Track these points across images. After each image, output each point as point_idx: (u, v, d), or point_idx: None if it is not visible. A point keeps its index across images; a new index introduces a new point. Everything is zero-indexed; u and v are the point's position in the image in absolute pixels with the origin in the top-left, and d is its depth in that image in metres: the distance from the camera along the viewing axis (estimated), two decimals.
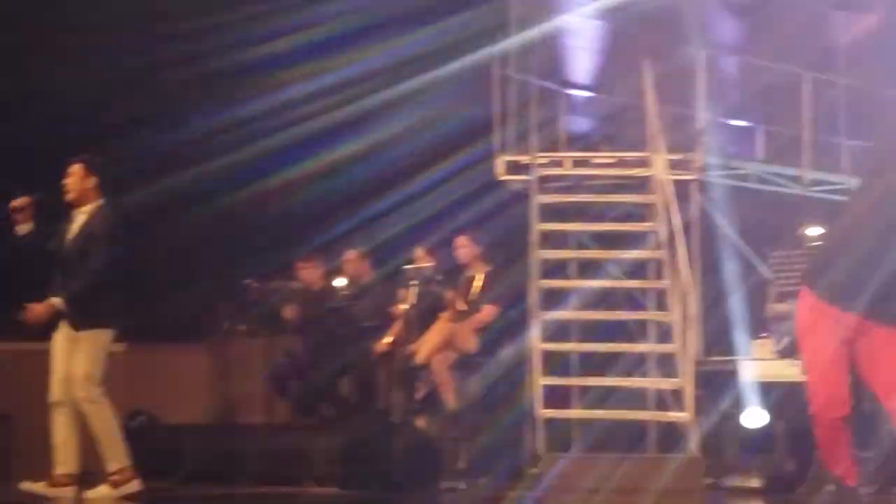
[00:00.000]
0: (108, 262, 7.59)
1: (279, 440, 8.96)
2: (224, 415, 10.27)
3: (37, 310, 7.55)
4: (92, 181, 7.74)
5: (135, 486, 7.67)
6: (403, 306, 9.12)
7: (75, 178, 7.73)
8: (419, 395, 9.18)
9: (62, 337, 7.65)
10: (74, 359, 7.54)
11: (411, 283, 9.01)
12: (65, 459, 7.66)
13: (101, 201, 7.76)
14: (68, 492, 7.61)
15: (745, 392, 9.02)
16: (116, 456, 7.64)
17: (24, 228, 7.67)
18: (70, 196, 7.75)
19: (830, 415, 5.78)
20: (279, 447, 8.89)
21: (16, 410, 13.07)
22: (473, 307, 9.15)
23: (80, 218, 7.73)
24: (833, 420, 5.78)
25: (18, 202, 7.65)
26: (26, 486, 7.65)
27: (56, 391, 7.64)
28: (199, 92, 13.51)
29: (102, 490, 7.56)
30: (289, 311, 10.10)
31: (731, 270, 10.47)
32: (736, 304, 10.09)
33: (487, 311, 9.10)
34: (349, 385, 9.66)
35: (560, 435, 9.68)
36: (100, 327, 7.60)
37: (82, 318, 7.57)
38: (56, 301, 7.52)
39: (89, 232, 7.65)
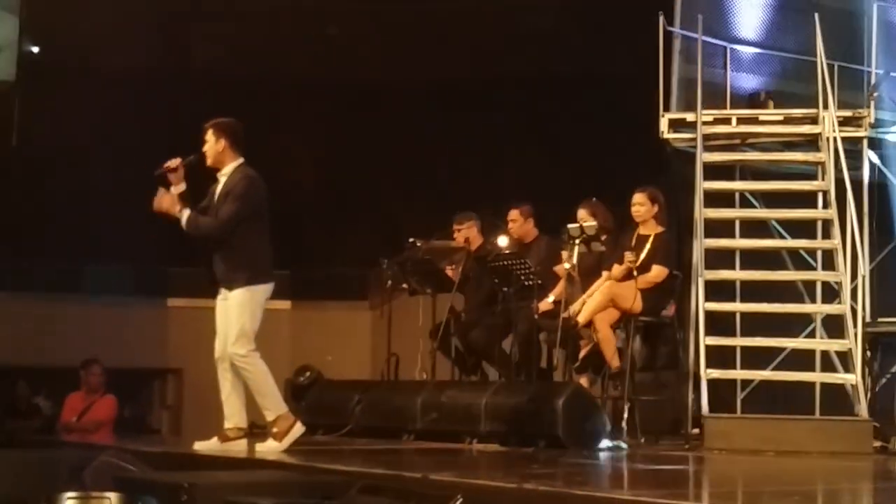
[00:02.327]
0: (237, 216, 7.71)
1: (442, 397, 9.04)
2: (387, 372, 10.40)
3: (164, 199, 7.74)
4: (222, 144, 7.87)
5: (298, 430, 7.81)
6: (566, 265, 9.09)
7: (209, 143, 7.89)
8: (581, 354, 9.17)
9: (221, 296, 7.84)
10: (227, 317, 7.71)
11: (574, 241, 8.97)
12: (231, 413, 7.85)
13: (237, 162, 7.90)
14: (240, 445, 7.78)
15: None
16: (272, 405, 7.79)
17: (177, 189, 7.85)
18: (208, 161, 7.91)
19: None
20: (442, 404, 8.97)
21: (188, 365, 13.53)
22: (643, 267, 9.06)
23: (221, 181, 7.90)
24: None
25: (171, 163, 7.83)
26: (199, 445, 7.83)
27: (218, 348, 7.83)
28: None
29: (270, 444, 7.72)
30: (451, 270, 10.18)
31: None
32: None
33: (657, 272, 9.00)
34: (512, 344, 9.68)
35: (723, 396, 9.60)
36: (248, 285, 7.73)
37: (229, 278, 7.75)
38: (184, 211, 7.68)
39: (226, 192, 7.80)
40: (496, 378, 9.84)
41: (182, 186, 7.87)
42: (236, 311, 7.69)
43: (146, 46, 14.20)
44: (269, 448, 7.67)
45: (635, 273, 8.92)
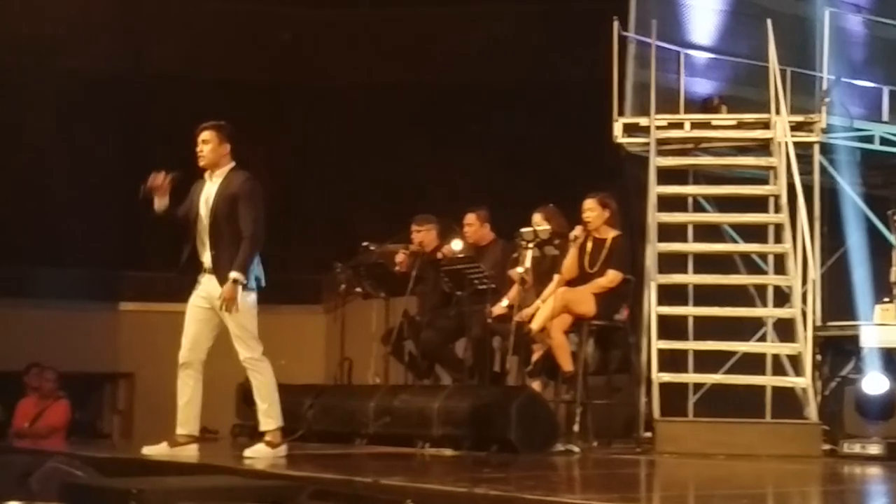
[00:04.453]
0: (261, 215, 7.71)
1: (395, 401, 9.02)
2: (340, 376, 10.37)
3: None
4: (227, 148, 7.85)
5: (284, 450, 7.78)
6: (519, 269, 9.09)
7: (211, 144, 7.81)
8: (534, 358, 9.17)
9: (200, 300, 7.77)
10: (232, 320, 7.61)
11: (527, 246, 8.98)
12: (186, 420, 7.81)
13: (232, 165, 7.87)
14: (189, 450, 7.75)
15: (866, 358, 8.87)
16: (276, 414, 7.79)
17: (160, 204, 7.77)
18: (203, 162, 7.84)
19: None
20: (395, 408, 8.95)
21: (139, 369, 13.44)
22: (599, 271, 9.05)
23: (215, 182, 7.82)
24: None
25: (156, 181, 7.71)
26: (147, 450, 7.76)
27: (185, 352, 7.77)
28: None
29: (261, 449, 7.68)
30: (403, 254, 10.14)
31: (853, 234, 10.29)
32: (858, 269, 9.92)
33: (612, 277, 8.99)
34: (465, 348, 9.67)
35: (675, 399, 9.63)
36: (248, 289, 7.67)
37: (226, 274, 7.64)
38: (235, 275, 7.56)
39: (231, 194, 7.73)
40: (449, 382, 9.82)
41: (166, 201, 7.78)
42: (240, 316, 7.61)
43: (102, 49, 14.12)
44: (259, 453, 7.62)
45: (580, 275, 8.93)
